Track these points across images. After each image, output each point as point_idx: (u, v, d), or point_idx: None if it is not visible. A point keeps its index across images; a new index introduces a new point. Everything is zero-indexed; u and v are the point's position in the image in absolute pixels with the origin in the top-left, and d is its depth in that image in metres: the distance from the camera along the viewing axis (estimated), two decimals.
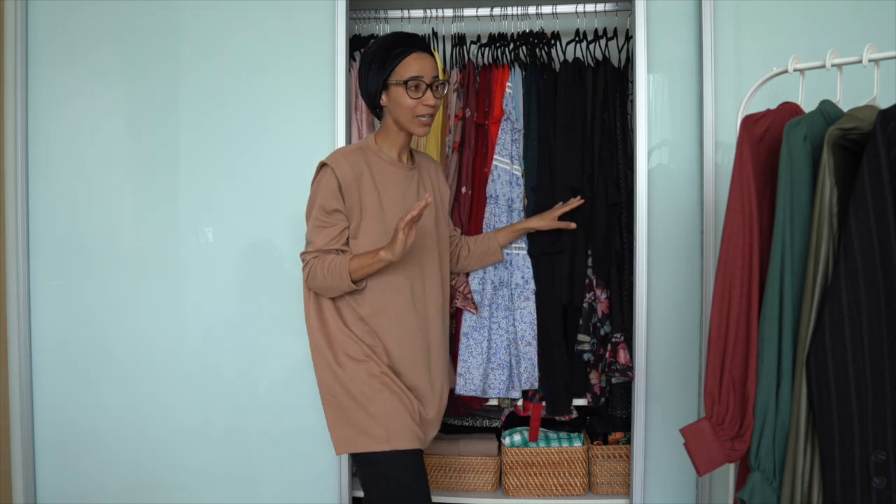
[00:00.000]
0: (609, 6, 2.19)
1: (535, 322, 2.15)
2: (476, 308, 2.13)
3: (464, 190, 2.19)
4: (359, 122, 2.24)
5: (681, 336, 2.11)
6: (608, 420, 2.36)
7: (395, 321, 1.73)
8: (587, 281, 2.16)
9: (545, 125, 2.17)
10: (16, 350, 2.21)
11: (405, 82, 1.66)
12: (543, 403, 2.25)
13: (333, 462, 2.18)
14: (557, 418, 2.45)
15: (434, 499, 1.76)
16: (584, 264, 2.16)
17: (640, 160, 2.05)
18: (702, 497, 2.08)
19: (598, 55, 2.21)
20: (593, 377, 2.21)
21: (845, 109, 1.26)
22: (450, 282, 1.96)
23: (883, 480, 1.14)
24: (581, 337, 2.17)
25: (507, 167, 2.13)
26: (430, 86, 1.68)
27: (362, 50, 2.28)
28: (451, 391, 2.07)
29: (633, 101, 2.11)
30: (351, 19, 2.25)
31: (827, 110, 1.30)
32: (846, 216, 1.13)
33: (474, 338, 2.14)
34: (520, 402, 2.27)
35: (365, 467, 1.71)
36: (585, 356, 2.20)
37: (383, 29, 2.35)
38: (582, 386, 2.23)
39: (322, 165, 1.71)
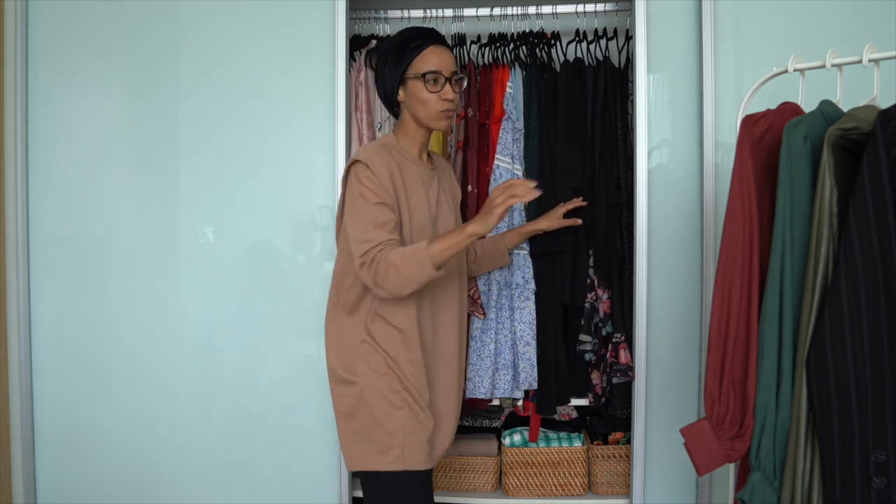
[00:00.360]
0: (609, 6, 2.19)
1: (535, 322, 2.15)
2: (484, 313, 2.12)
3: (470, 188, 2.20)
4: (359, 122, 2.24)
5: (681, 336, 2.11)
6: (608, 420, 2.36)
7: (422, 330, 1.66)
8: (588, 281, 2.16)
9: (546, 125, 2.17)
10: (16, 350, 2.21)
11: (423, 75, 1.61)
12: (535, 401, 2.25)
13: (333, 462, 2.18)
14: (557, 418, 2.45)
15: (434, 498, 1.76)
16: (586, 264, 2.16)
17: (641, 160, 2.05)
18: (702, 497, 2.08)
19: (599, 55, 2.21)
20: (595, 377, 2.21)
21: (845, 109, 1.26)
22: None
23: (883, 480, 1.14)
24: (583, 337, 2.17)
25: (507, 166, 2.13)
26: (448, 79, 1.63)
27: (362, 50, 2.29)
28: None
29: (633, 101, 2.11)
30: (351, 19, 2.25)
31: (827, 110, 1.29)
32: (846, 216, 1.13)
33: (483, 340, 2.14)
34: (520, 402, 2.27)
35: (371, 483, 1.65)
36: (587, 356, 2.20)
37: (383, 29, 2.35)
38: (583, 386, 2.22)
39: (355, 162, 1.60)
